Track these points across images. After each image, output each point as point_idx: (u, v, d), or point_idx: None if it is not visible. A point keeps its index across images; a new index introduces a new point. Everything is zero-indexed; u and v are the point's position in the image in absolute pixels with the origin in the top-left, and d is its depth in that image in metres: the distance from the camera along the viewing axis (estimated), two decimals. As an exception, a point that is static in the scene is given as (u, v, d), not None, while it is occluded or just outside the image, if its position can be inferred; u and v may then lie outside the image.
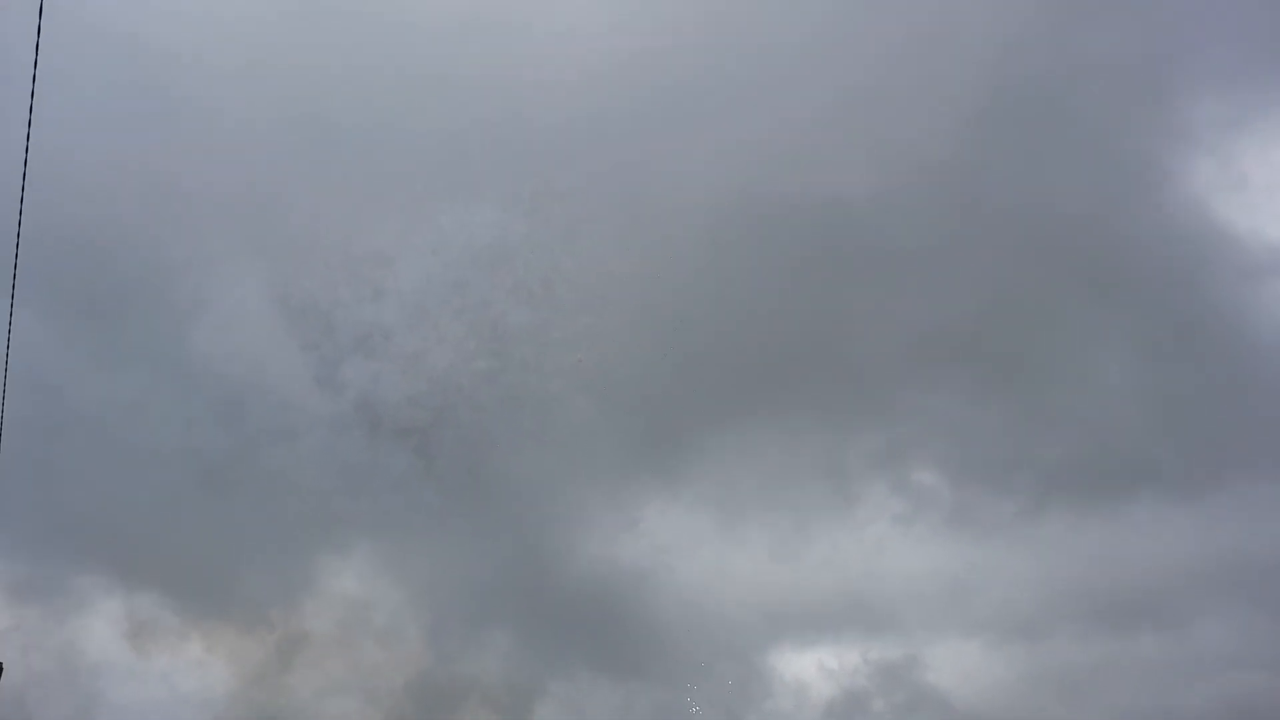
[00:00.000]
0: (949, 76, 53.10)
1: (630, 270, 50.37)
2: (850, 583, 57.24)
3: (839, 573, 56.09)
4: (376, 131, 49.41)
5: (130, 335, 48.05)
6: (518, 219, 49.25)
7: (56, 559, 46.04)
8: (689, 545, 55.13)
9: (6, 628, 44.48)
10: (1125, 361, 58.06)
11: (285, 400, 47.07)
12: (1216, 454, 57.67)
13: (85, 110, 46.46)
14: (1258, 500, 56.06)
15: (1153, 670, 56.79)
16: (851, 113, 51.86)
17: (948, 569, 59.48)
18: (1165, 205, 57.49)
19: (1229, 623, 55.99)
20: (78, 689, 44.13)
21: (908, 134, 52.24)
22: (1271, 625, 55.89)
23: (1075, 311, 57.90)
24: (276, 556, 47.08)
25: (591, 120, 51.34)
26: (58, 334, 46.72)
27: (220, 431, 46.26)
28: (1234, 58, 59.42)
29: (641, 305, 51.00)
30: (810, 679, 53.51)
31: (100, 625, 46.34)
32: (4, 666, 23.43)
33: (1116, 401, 58.53)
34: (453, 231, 48.91)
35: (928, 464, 56.80)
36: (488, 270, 48.51)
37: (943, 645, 59.04)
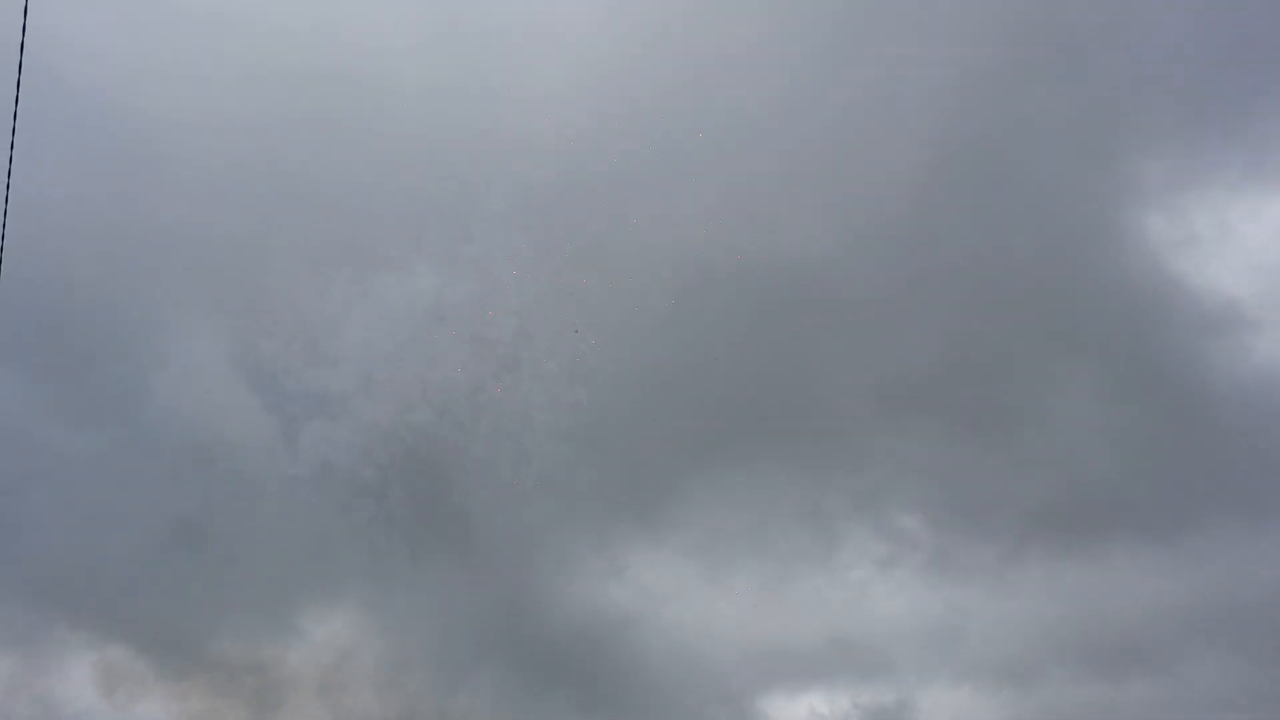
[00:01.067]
0: (901, 135, 54.80)
1: (601, 326, 51.35)
2: (836, 627, 57.05)
3: (824, 617, 55.94)
4: (344, 191, 50.86)
5: (93, 391, 48.74)
6: (484, 277, 50.47)
7: (29, 611, 46.41)
8: (675, 592, 55.28)
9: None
10: (1087, 408, 58.70)
11: (252, 458, 47.73)
12: (1184, 496, 57.85)
13: (51, 166, 47.61)
14: (1229, 541, 55.98)
15: (1143, 713, 55.89)
16: (809, 173, 53.48)
17: (933, 612, 59.20)
18: (1119, 259, 58.87)
19: (1215, 665, 55.31)
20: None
21: (863, 191, 53.99)
22: (1253, 667, 55.13)
23: (1035, 360, 58.81)
24: (254, 609, 47.29)
25: (559, 183, 53.01)
26: (22, 387, 47.72)
27: (189, 488, 46.86)
28: (1183, 115, 61.19)
29: (614, 361, 51.88)
30: None
31: (76, 677, 46.56)
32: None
33: (1083, 446, 58.90)
34: (412, 290, 50.05)
35: (906, 508, 56.97)
36: (453, 328, 49.55)
37: (933, 689, 58.35)
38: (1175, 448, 60.45)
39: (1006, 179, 58.14)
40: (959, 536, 58.09)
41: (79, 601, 45.70)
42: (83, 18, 50.82)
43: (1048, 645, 59.10)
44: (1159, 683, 57.21)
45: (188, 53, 52.64)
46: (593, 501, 51.62)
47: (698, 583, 55.88)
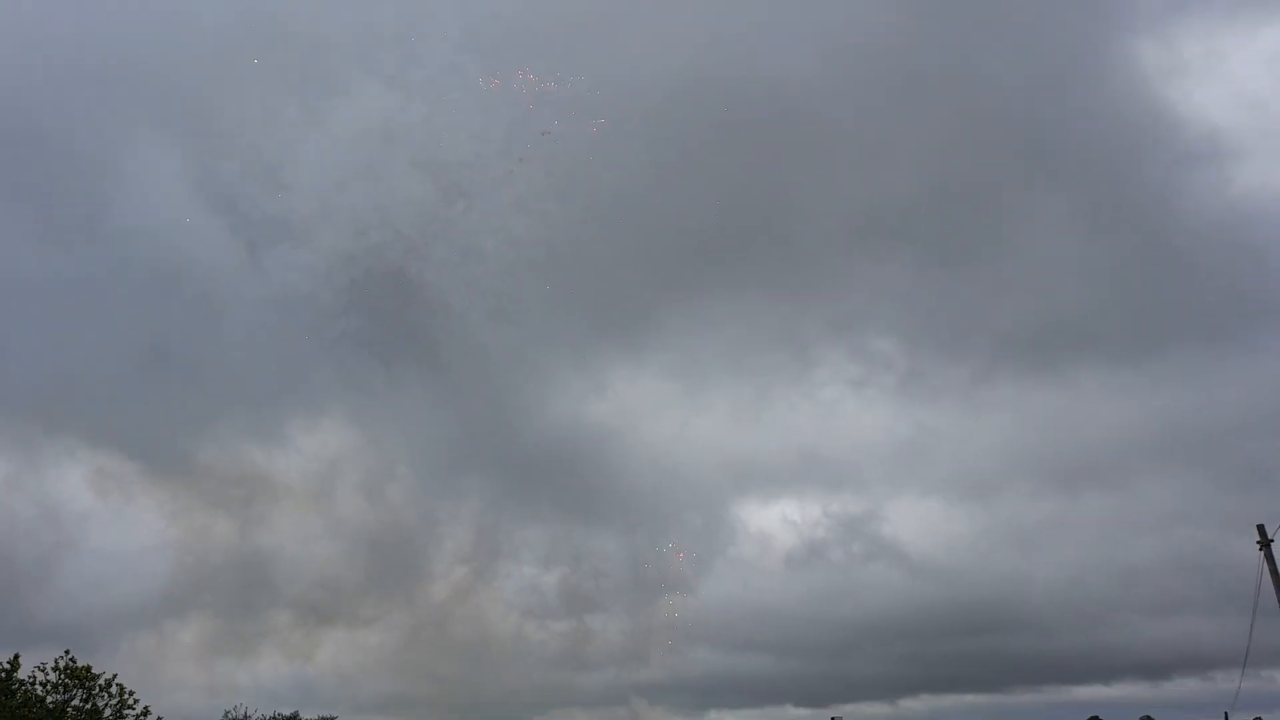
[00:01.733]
0: None
1: (584, 149, 50.22)
2: (809, 442, 59.56)
3: (798, 433, 58.22)
4: (292, 15, 48.31)
5: (57, 213, 47.36)
6: (470, 99, 48.62)
7: (19, 421, 46.78)
8: (654, 409, 57.08)
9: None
10: (1063, 236, 59.57)
11: (219, 279, 46.86)
12: (1152, 324, 59.89)
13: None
14: (1192, 367, 58.45)
15: (1099, 526, 59.69)
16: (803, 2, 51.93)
17: (903, 429, 61.80)
18: (1105, 87, 58.40)
19: (1169, 483, 58.84)
20: (57, 533, 45.70)
21: (847, 14, 52.44)
22: (1205, 484, 58.78)
23: (1015, 188, 59.20)
24: (238, 422, 47.70)
25: (542, 5, 50.70)
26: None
27: (161, 308, 46.21)
28: None
29: (596, 185, 51.05)
30: (774, 530, 56.19)
31: (71, 480, 47.82)
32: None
33: (1057, 274, 60.17)
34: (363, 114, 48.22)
35: (882, 332, 58.59)
36: (407, 152, 48.02)
37: (900, 501, 61.67)
38: (1147, 277, 62.19)
39: (995, 5, 57.27)
40: (932, 358, 60.10)
41: (67, 413, 46.13)
42: None
43: (1011, 462, 62.29)
44: (1114, 497, 60.92)
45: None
46: (575, 323, 52.06)
47: (677, 401, 57.65)
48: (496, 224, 47.94)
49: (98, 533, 48.73)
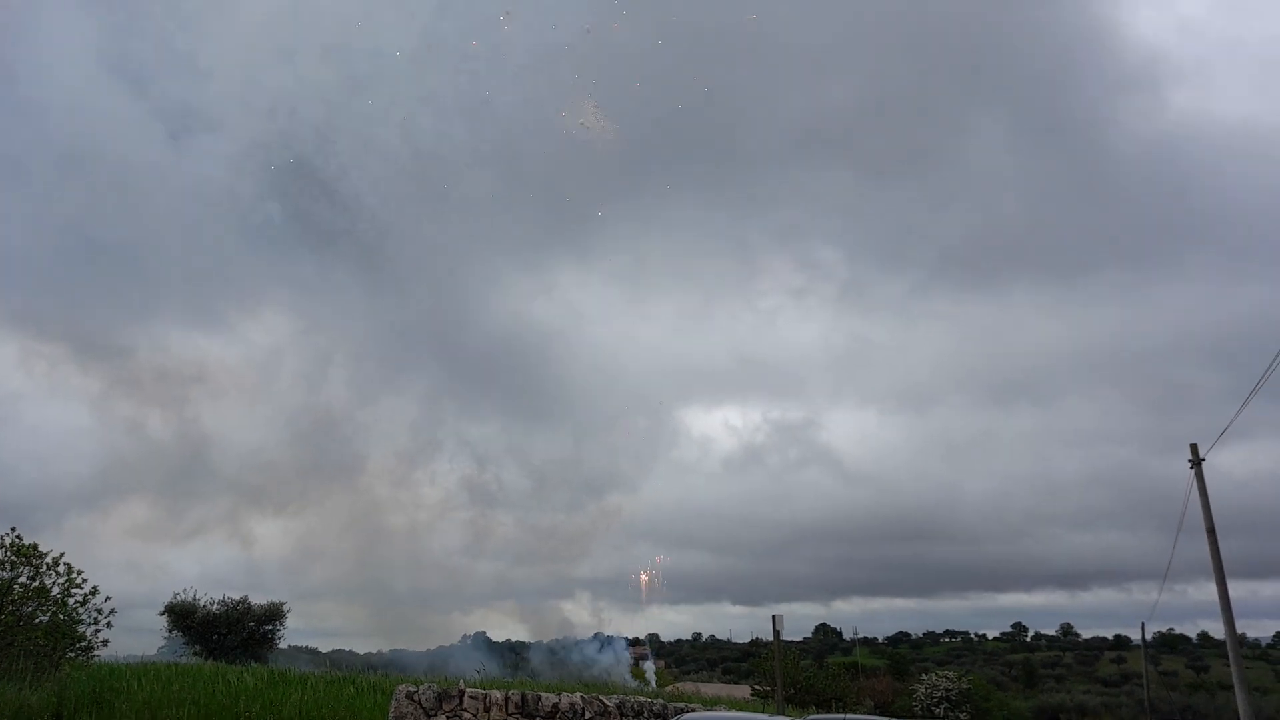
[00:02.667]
0: None
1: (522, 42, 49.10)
2: (750, 350, 60.82)
3: (740, 341, 59.30)
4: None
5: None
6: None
7: None
8: (600, 313, 57.18)
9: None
10: (1000, 153, 61.39)
11: (139, 165, 44.74)
12: (1083, 245, 62.74)
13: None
14: (1120, 289, 61.58)
15: (1027, 440, 63.07)
16: None
17: (842, 340, 63.58)
18: (1043, 6, 59.55)
19: (1095, 400, 62.46)
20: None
21: None
22: (1130, 404, 62.74)
23: (954, 103, 60.37)
24: (177, 306, 45.90)
25: None
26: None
27: (82, 194, 43.77)
28: None
29: (540, 88, 50.16)
30: (716, 434, 57.53)
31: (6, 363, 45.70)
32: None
33: (991, 192, 62.03)
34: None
35: (824, 243, 59.62)
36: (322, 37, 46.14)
37: (838, 410, 63.73)
38: (1080, 198, 64.83)
39: None
40: (872, 270, 61.70)
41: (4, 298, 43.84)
42: None
43: (946, 375, 65.10)
44: (1043, 413, 64.37)
45: None
46: (520, 221, 51.35)
47: (622, 305, 57.89)
48: (436, 117, 46.90)
49: (32, 411, 46.73)
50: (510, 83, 48.49)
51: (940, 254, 62.55)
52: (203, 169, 46.53)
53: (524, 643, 53.15)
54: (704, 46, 53.07)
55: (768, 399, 61.37)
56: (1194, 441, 27.21)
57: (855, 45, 57.13)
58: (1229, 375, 58.17)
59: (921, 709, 48.50)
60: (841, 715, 23.24)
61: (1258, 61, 66.61)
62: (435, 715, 19.39)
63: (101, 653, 25.62)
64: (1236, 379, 58.45)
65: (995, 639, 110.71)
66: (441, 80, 47.30)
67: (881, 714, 37.27)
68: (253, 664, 28.18)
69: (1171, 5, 70.94)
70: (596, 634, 50.73)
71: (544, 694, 21.23)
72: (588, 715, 21.79)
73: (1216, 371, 59.86)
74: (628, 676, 44.92)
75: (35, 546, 24.79)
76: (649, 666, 51.71)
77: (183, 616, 36.27)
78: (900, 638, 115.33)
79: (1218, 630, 54.85)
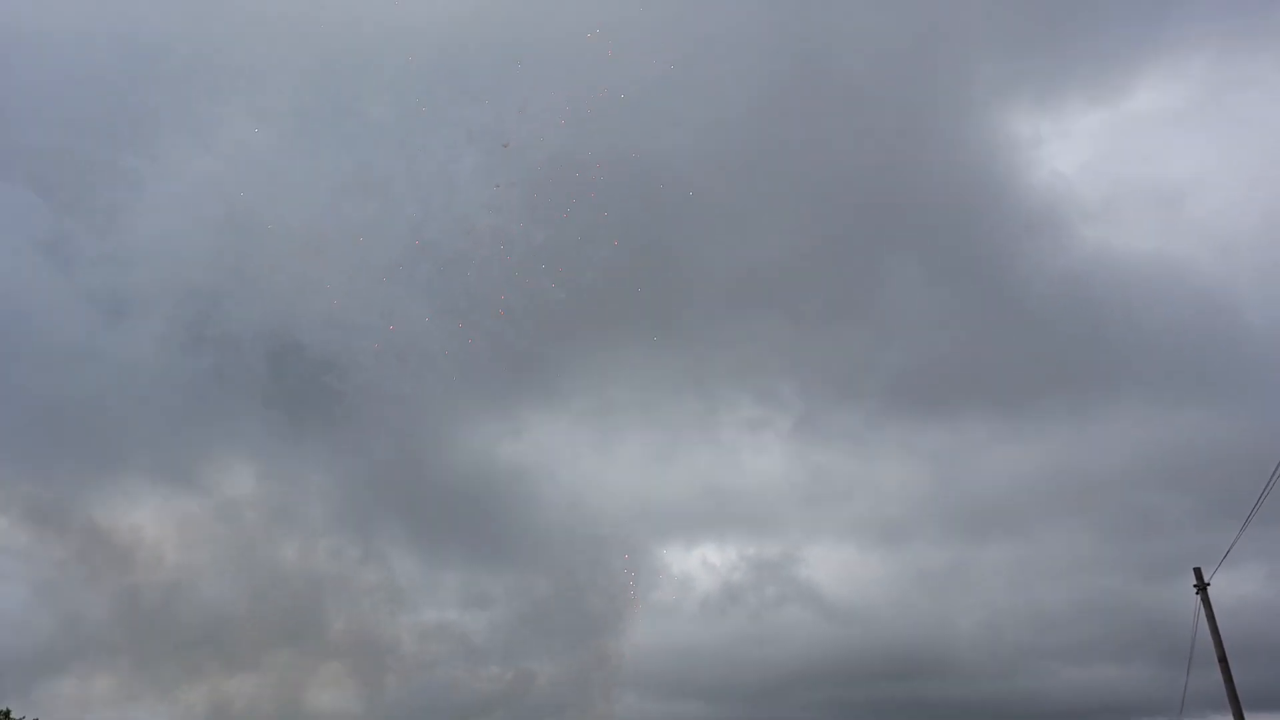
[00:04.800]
0: (742, 49, 57.65)
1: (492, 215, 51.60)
2: (721, 487, 60.77)
3: (709, 479, 59.37)
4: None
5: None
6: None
7: None
8: (570, 454, 57.24)
9: None
10: (919, 293, 64.01)
11: (90, 337, 44.91)
12: (1017, 376, 64.80)
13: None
14: (1061, 416, 63.32)
15: (1005, 571, 63.20)
16: (671, 85, 55.37)
17: (808, 474, 63.98)
18: (944, 162, 63.97)
19: (1062, 528, 63.13)
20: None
21: (709, 102, 56.77)
22: (1096, 531, 63.50)
23: (873, 249, 63.44)
24: (136, 465, 44.96)
25: (440, 74, 51.74)
26: None
27: (22, 353, 43.56)
28: (1003, 28, 66.46)
29: (503, 247, 51.95)
30: (695, 573, 56.68)
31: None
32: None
33: (920, 328, 64.39)
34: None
35: (779, 379, 60.79)
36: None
37: (815, 546, 63.43)
38: (1005, 331, 67.39)
39: (839, 91, 62.18)
40: (828, 405, 62.89)
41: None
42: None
43: (915, 506, 65.57)
44: (1016, 542, 64.75)
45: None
46: (487, 370, 52.00)
47: (592, 445, 57.88)
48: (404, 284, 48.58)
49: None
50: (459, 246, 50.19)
51: (888, 386, 64.41)
52: (142, 348, 46.60)
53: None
54: (639, 207, 56.08)
55: (743, 535, 60.94)
56: (1197, 566, 27.33)
57: (776, 201, 61.07)
58: (1190, 497, 59.54)
59: None
60: None
61: (1156, 199, 71.65)
62: None
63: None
64: (1198, 501, 59.76)
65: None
66: (400, 252, 48.90)
67: None
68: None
69: (1070, 151, 76.44)
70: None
71: None
72: None
73: (1176, 494, 61.22)
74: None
75: (8, 713, 23.14)
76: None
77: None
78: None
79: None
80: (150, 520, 46.61)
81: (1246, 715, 25.66)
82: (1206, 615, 27.06)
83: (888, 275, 65.80)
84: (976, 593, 63.97)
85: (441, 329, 50.34)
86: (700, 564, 59.70)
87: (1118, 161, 73.77)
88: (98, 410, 45.70)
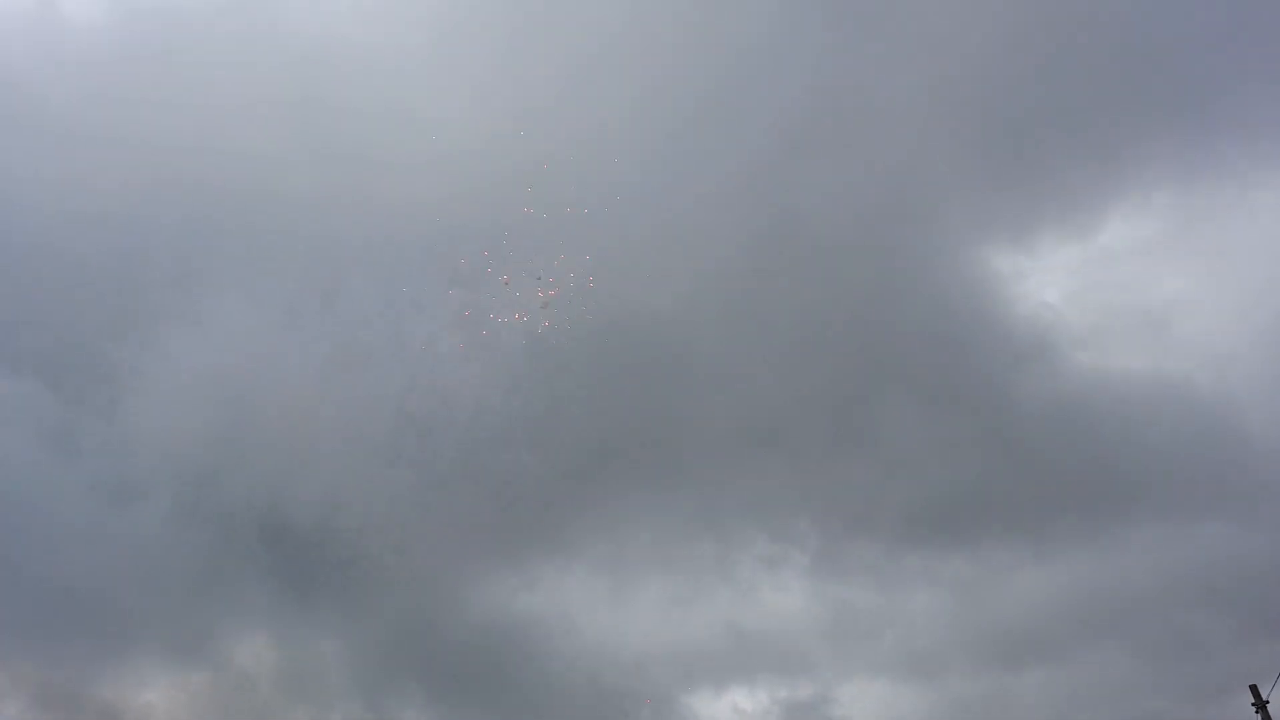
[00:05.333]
0: (728, 205, 61.24)
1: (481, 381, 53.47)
2: (745, 626, 59.56)
3: (733, 619, 58.15)
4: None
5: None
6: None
7: None
8: (587, 604, 56.75)
9: None
10: (925, 429, 64.97)
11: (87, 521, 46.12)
12: (1034, 497, 64.53)
13: None
14: (1077, 541, 62.69)
15: (1050, 700, 60.98)
16: (661, 243, 58.61)
17: (836, 610, 62.71)
18: (935, 301, 66.28)
19: (1101, 652, 61.32)
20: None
21: (694, 258, 59.94)
22: (1135, 653, 61.67)
23: (867, 390, 64.92)
24: (164, 637, 44.53)
25: (433, 234, 54.78)
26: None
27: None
28: (978, 170, 69.92)
29: (504, 412, 53.70)
30: None
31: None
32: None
33: (928, 460, 64.95)
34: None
35: (793, 515, 60.41)
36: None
37: (849, 684, 61.47)
38: (1011, 457, 67.69)
39: (821, 243, 65.05)
40: (847, 539, 62.33)
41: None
42: None
43: (944, 637, 63.91)
44: (1054, 671, 62.81)
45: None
46: (501, 528, 52.22)
47: (608, 593, 56.98)
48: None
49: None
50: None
51: (902, 517, 64.00)
52: (138, 531, 47.55)
53: None
54: (639, 368, 58.41)
55: (773, 676, 58.98)
56: (1253, 683, 26.64)
57: (768, 352, 63.49)
58: (1224, 613, 58.09)
59: None
60: None
61: (1144, 322, 73.28)
62: None
63: None
64: (1231, 617, 58.37)
65: None
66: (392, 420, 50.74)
67: None
68: None
69: (1052, 284, 78.74)
70: None
71: None
72: None
73: (1208, 611, 59.73)
74: None
75: None
76: None
77: None
78: None
79: None
80: (162, 698, 45.62)
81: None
82: (1269, 734, 26.21)
83: (886, 411, 66.78)
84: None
85: (445, 490, 50.65)
86: (731, 710, 57.43)
87: (1100, 291, 75.42)
88: (105, 592, 45.28)
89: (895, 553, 61.85)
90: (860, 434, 64.96)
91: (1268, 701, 26.60)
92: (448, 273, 52.10)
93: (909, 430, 64.20)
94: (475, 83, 59.79)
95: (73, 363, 50.29)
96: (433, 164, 56.64)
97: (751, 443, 61.63)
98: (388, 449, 50.69)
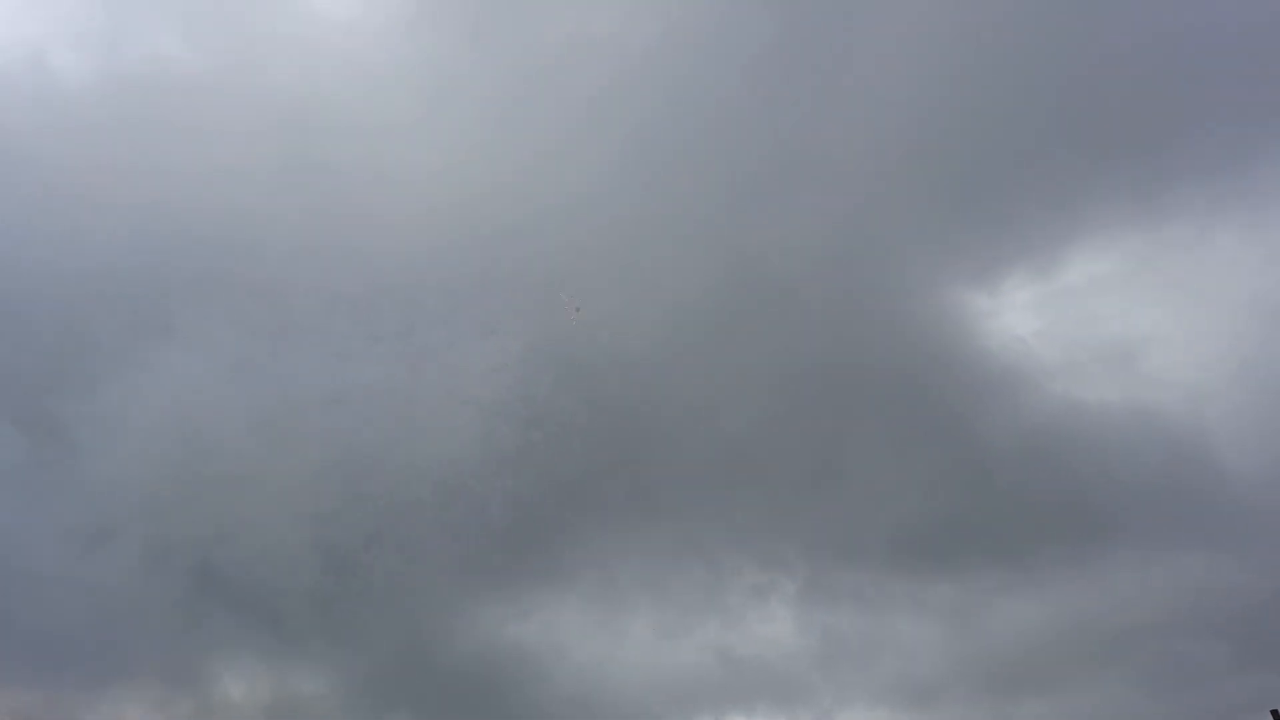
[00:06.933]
0: (697, 247, 62.25)
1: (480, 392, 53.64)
2: (740, 657, 59.18)
3: (727, 647, 57.81)
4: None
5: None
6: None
7: None
8: (581, 634, 56.42)
9: None
10: (904, 460, 65.09)
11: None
12: (1014, 526, 64.90)
13: None
14: (1068, 563, 62.98)
15: None
16: (636, 286, 59.38)
17: (826, 638, 62.34)
18: (908, 335, 67.17)
19: (1097, 682, 61.33)
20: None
21: (675, 290, 60.78)
22: (1133, 685, 61.80)
23: (837, 426, 65.37)
24: (151, 673, 43.37)
25: (409, 289, 54.96)
26: None
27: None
28: (934, 210, 71.25)
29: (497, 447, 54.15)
30: None
31: None
32: None
33: (911, 491, 65.05)
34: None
35: (780, 544, 60.46)
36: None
37: (846, 713, 60.88)
38: (982, 490, 68.19)
39: (792, 285, 66.16)
40: (834, 568, 62.41)
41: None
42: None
43: (937, 665, 63.83)
44: (1051, 700, 62.69)
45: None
46: (496, 558, 51.87)
47: (600, 624, 56.76)
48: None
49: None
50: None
51: (887, 547, 64.40)
52: (110, 576, 47.40)
53: None
54: (617, 412, 59.29)
55: (771, 705, 58.53)
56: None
57: (744, 379, 64.34)
58: (1219, 642, 58.53)
59: None
60: None
61: (1115, 354, 74.63)
62: None
63: None
64: (1227, 645, 58.61)
65: None
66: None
67: None
68: None
69: (1021, 321, 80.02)
70: None
71: None
72: None
73: (1202, 640, 60.30)
74: None
75: None
76: None
77: None
78: None
79: None
80: None
81: None
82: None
83: (862, 445, 67.08)
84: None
85: (436, 523, 50.52)
86: None
87: (1069, 325, 76.93)
88: (89, 629, 44.90)
89: (881, 580, 62.04)
90: (838, 467, 65.30)
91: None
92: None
93: (886, 463, 64.62)
94: (456, 144, 60.62)
95: (42, 418, 49.77)
96: (410, 218, 57.09)
97: (731, 478, 61.75)
98: (366, 483, 50.43)
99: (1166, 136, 71.62)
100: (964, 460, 68.22)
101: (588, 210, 60.00)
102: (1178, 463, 65.39)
